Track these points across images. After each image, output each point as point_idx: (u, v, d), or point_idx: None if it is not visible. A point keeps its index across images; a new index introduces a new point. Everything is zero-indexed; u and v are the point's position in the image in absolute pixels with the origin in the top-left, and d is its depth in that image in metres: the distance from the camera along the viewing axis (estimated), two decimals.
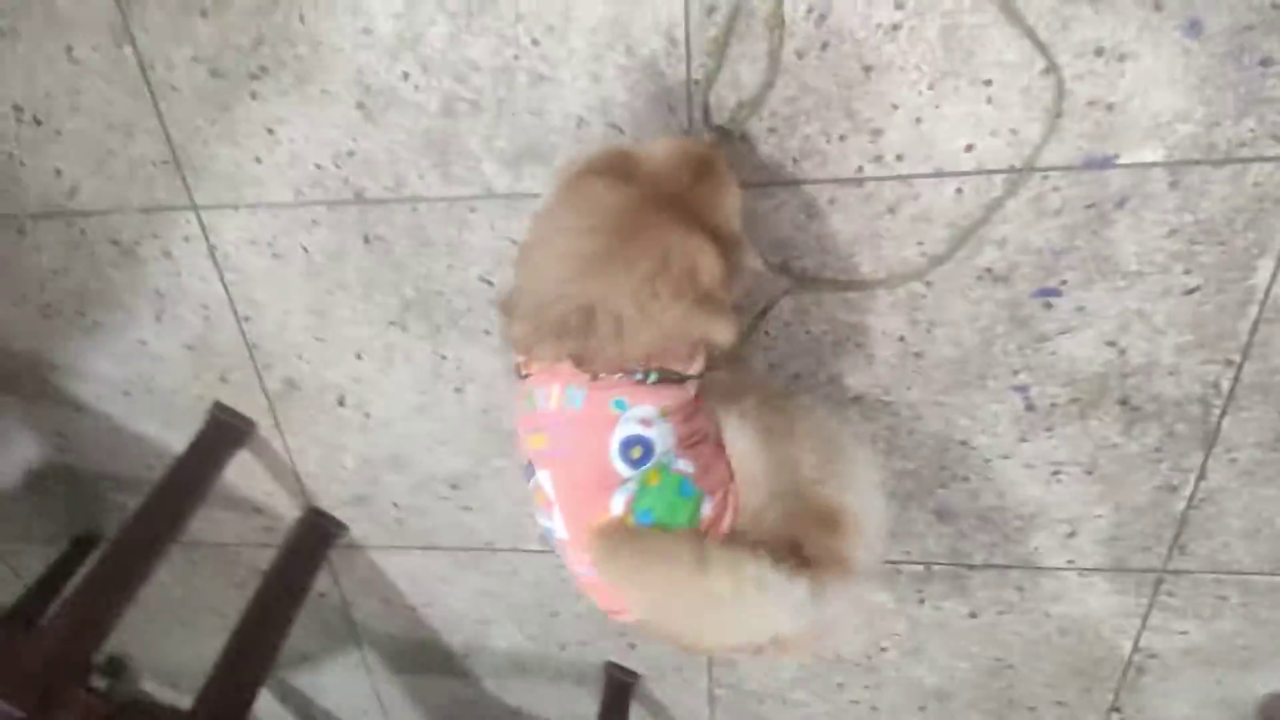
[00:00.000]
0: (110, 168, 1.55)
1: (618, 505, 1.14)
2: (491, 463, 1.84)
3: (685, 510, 1.15)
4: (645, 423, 1.14)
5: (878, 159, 1.34)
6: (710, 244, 1.06)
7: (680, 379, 1.17)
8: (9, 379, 1.91)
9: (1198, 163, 1.27)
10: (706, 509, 1.16)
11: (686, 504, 1.16)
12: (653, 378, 1.14)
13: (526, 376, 1.20)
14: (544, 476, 1.19)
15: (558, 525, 1.20)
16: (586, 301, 1.04)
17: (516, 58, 1.33)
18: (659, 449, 1.15)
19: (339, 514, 2.03)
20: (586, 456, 1.15)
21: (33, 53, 1.45)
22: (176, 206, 1.57)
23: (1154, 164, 1.28)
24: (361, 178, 1.48)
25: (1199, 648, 1.84)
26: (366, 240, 1.55)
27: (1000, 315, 1.46)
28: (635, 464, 1.14)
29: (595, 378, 1.12)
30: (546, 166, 1.42)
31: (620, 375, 1.12)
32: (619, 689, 2.20)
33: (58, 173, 1.57)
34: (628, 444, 1.14)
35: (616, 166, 1.08)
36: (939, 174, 1.34)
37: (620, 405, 1.14)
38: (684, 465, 1.17)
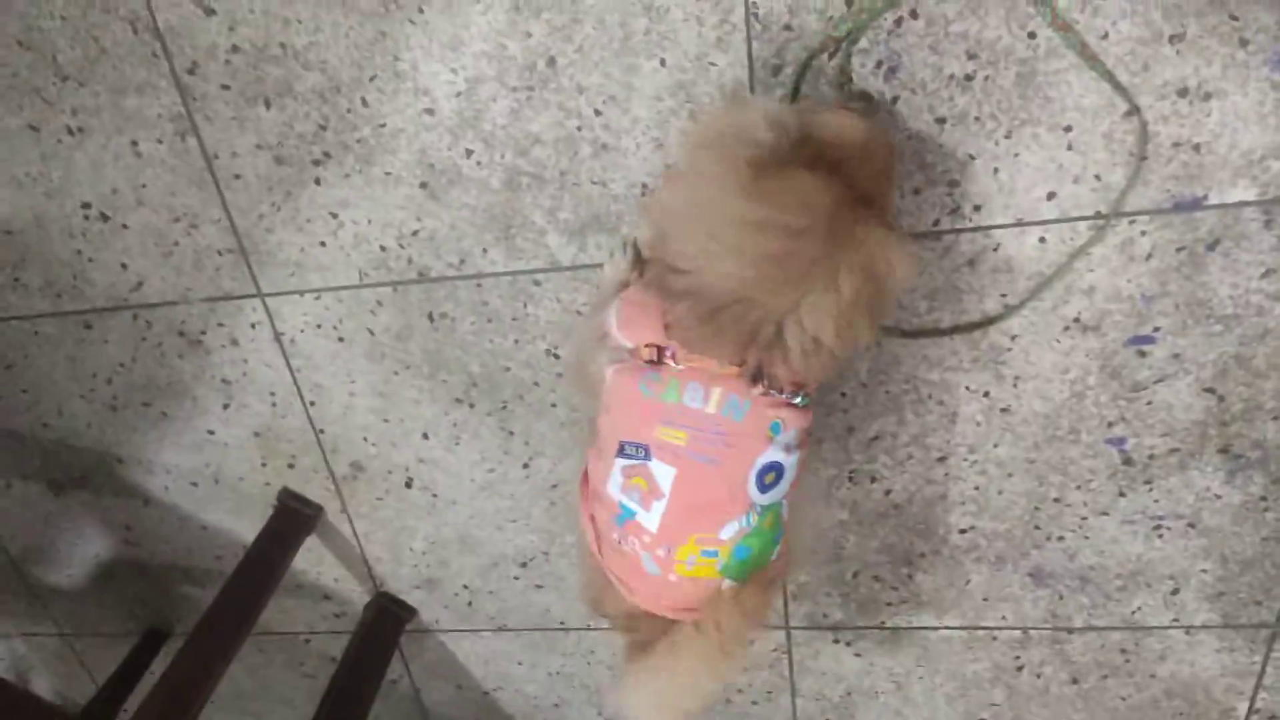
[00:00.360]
0: (175, 259, 1.56)
1: (728, 532, 1.08)
2: (562, 539, 1.79)
3: (771, 551, 1.11)
4: (787, 449, 1.09)
5: (955, 211, 1.30)
6: (907, 256, 0.97)
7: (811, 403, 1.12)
8: (78, 474, 1.92)
9: None
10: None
11: (774, 546, 1.13)
12: (804, 400, 1.08)
13: (660, 362, 1.09)
14: (663, 471, 1.08)
15: (651, 519, 1.11)
16: (783, 313, 0.95)
17: (579, 129, 1.32)
18: (787, 478, 1.10)
19: (408, 598, 1.99)
20: (727, 472, 1.07)
21: (100, 150, 1.47)
22: (242, 295, 1.57)
23: (1246, 203, 1.23)
24: (425, 256, 1.47)
25: None
26: (431, 319, 1.54)
27: (1091, 366, 1.40)
28: (765, 489, 1.09)
29: (765, 392, 1.06)
30: (610, 236, 1.40)
31: (788, 393, 1.06)
32: None
33: (123, 267, 1.58)
34: (766, 469, 1.08)
35: (812, 154, 0.95)
36: (1020, 224, 1.29)
37: (776, 429, 1.07)
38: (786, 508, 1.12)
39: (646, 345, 1.08)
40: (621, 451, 1.12)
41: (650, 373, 1.09)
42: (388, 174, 1.40)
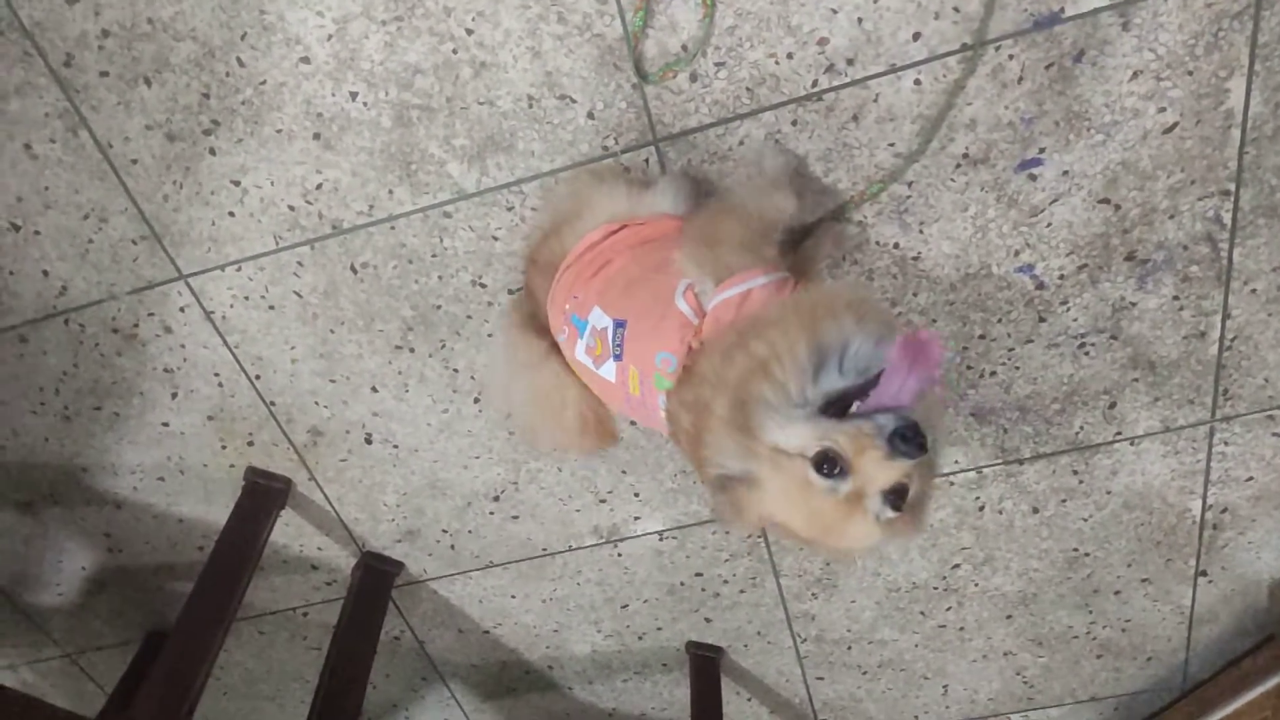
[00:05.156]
0: (93, 257, 1.57)
1: None
2: (527, 466, 1.84)
3: None
4: None
5: (830, 69, 1.33)
6: None
7: None
8: (46, 490, 1.94)
9: None
10: None
11: None
12: None
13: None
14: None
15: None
16: None
17: (455, 52, 1.34)
18: None
19: (392, 553, 2.04)
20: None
21: None
22: (164, 280, 1.59)
23: (1100, 9, 1.27)
24: (335, 209, 1.50)
25: (1269, 491, 1.80)
26: (354, 270, 1.57)
27: (988, 199, 1.44)
28: None
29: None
30: (509, 154, 1.42)
31: None
32: (705, 666, 2.19)
33: (45, 274, 1.60)
34: None
35: None
36: (893, 70, 1.33)
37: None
38: None
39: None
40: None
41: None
42: (279, 131, 1.42)
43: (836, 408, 1.00)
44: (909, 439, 0.93)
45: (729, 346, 1.08)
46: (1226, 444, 1.73)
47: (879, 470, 0.96)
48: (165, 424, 1.80)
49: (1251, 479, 1.78)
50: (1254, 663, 2.01)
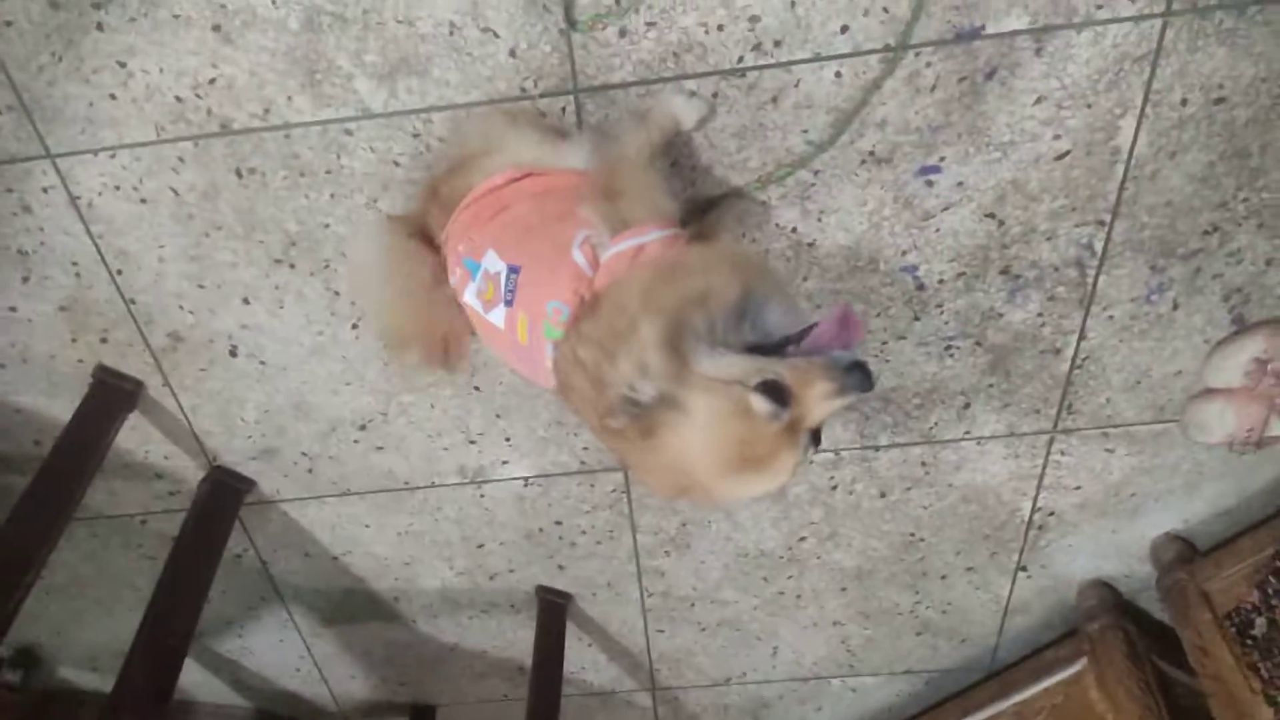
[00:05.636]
0: None
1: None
2: (399, 399, 1.81)
3: None
4: None
5: (757, 47, 1.34)
6: None
7: None
8: None
9: (1060, 27, 1.31)
10: None
11: None
12: None
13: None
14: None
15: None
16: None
17: None
18: None
19: (245, 470, 1.97)
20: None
21: None
22: (30, 156, 1.47)
23: (1019, 32, 1.32)
24: (226, 107, 1.41)
25: (1092, 501, 1.95)
26: (239, 175, 1.49)
27: (886, 197, 1.49)
28: None
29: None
30: (422, 79, 1.38)
31: None
32: (553, 611, 2.22)
33: None
34: None
35: None
36: (818, 58, 1.35)
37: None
38: None
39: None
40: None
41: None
42: (176, 16, 1.33)
43: (767, 349, 1.04)
44: (865, 373, 0.99)
45: (659, 275, 1.10)
46: (1063, 454, 1.86)
47: (818, 405, 1.00)
48: (13, 308, 1.68)
49: (1080, 488, 1.93)
50: (1055, 653, 2.19)
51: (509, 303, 1.23)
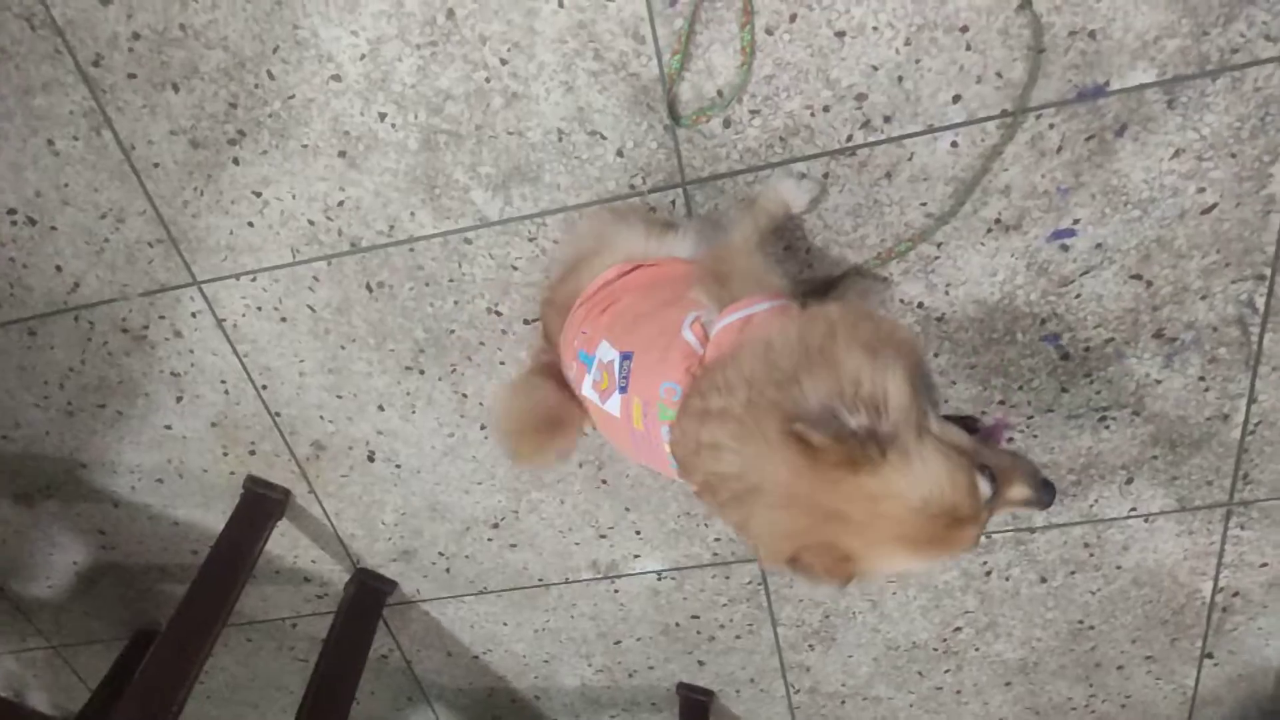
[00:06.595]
0: (108, 256, 1.56)
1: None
2: (529, 496, 1.81)
3: None
4: None
5: (866, 125, 1.31)
6: None
7: None
8: (44, 484, 1.93)
9: (1192, 77, 1.23)
10: None
11: None
12: None
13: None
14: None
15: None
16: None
17: (488, 80, 1.32)
18: None
19: (386, 571, 2.01)
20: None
21: (17, 154, 1.47)
22: (178, 285, 1.58)
23: (1146, 85, 1.25)
24: (354, 226, 1.48)
25: None
26: (369, 289, 1.55)
27: (1018, 265, 1.42)
28: None
29: None
30: (534, 185, 1.41)
31: None
32: (695, 709, 2.15)
33: (58, 269, 1.59)
34: None
35: None
36: (930, 130, 1.31)
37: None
38: None
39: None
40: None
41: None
42: (304, 146, 1.41)
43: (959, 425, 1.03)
44: (1053, 494, 1.02)
45: (853, 318, 1.05)
46: (1243, 528, 1.69)
47: (1007, 500, 1.00)
48: (168, 426, 1.79)
49: (1266, 565, 1.74)
50: None
51: (623, 389, 1.22)
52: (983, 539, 1.74)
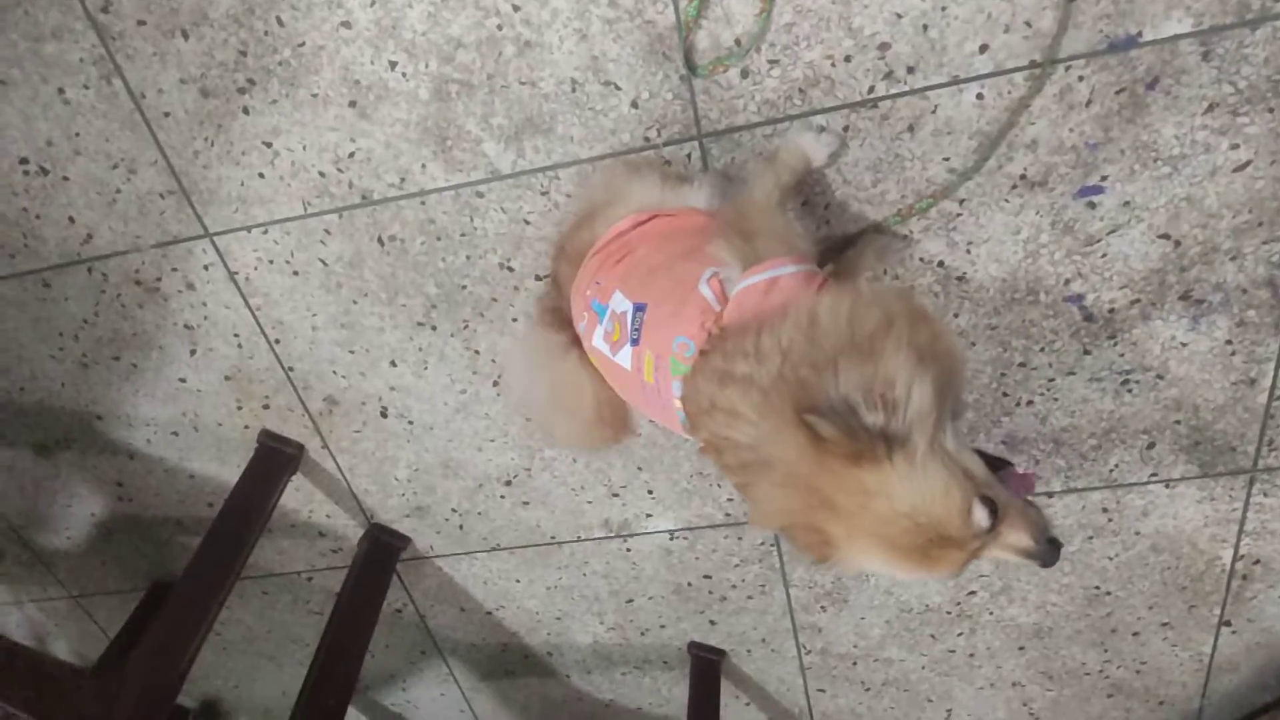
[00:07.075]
0: (120, 207, 1.55)
1: None
2: (542, 454, 1.80)
3: None
4: None
5: (889, 76, 1.27)
6: None
7: None
8: (61, 435, 1.94)
9: (1229, 27, 1.19)
10: None
11: None
12: None
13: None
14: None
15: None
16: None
17: (500, 28, 1.29)
18: None
19: (400, 527, 2.02)
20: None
21: (28, 102, 1.45)
22: (190, 236, 1.57)
23: (1181, 36, 1.20)
24: (365, 179, 1.46)
25: None
26: (381, 243, 1.53)
27: (1042, 223, 1.38)
28: None
29: None
30: (548, 137, 1.38)
31: None
32: (706, 668, 2.16)
33: (71, 220, 1.58)
34: None
35: None
36: (955, 82, 1.27)
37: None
38: None
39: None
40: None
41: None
42: (314, 95, 1.38)
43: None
44: (1056, 553, 1.00)
45: (906, 310, 1.03)
46: (1266, 495, 1.66)
47: (1003, 544, 0.98)
48: (182, 380, 1.79)
49: None
50: (1272, 717, 1.95)
51: (635, 341, 1.20)
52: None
